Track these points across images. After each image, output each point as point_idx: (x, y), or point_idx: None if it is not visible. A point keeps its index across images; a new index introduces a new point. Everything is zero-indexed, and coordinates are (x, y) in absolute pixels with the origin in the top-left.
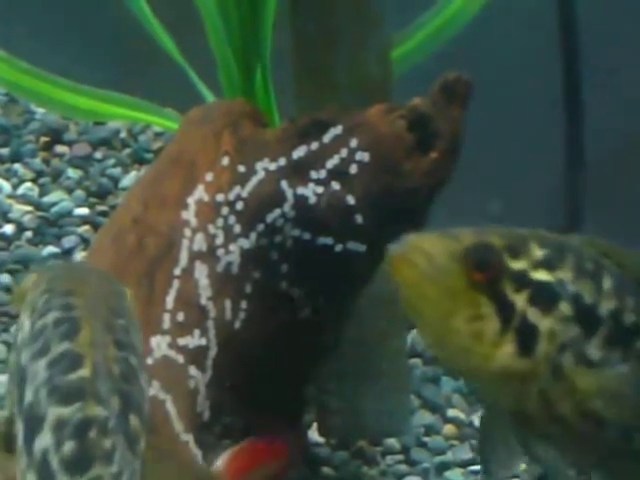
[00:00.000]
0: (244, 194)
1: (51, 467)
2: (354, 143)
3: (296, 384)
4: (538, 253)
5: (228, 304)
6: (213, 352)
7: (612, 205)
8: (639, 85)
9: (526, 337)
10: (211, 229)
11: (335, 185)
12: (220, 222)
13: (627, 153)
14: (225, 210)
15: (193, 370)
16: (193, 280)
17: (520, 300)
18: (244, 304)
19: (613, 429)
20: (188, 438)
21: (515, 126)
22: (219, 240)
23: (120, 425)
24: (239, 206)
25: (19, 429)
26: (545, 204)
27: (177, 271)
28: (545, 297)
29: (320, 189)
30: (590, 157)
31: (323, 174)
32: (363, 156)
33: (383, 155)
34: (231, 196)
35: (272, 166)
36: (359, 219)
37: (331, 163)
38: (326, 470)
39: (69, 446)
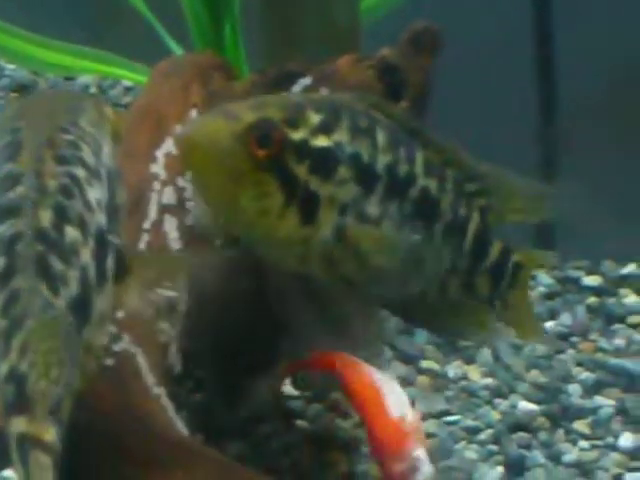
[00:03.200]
0: None
1: None
2: (323, 93)
3: (268, 335)
4: (315, 119)
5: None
6: (183, 305)
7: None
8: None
9: (308, 206)
10: (180, 182)
11: None
12: (189, 175)
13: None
14: None
15: (164, 323)
16: (162, 233)
17: (302, 171)
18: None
19: (393, 281)
20: (160, 391)
21: (486, 77)
22: (188, 193)
23: (49, 238)
24: None
25: None
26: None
27: (146, 224)
28: (325, 163)
29: None
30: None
31: None
32: None
33: None
34: None
35: None
36: None
37: None
38: (300, 423)
39: (1, 262)
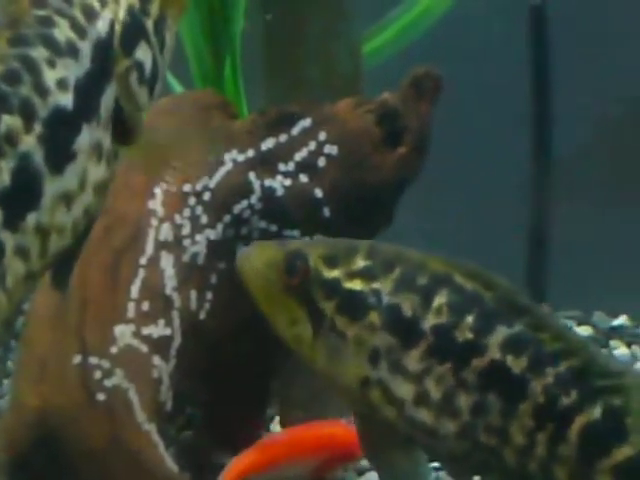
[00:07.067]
0: (211, 185)
1: None
2: (323, 136)
3: (260, 376)
4: (359, 264)
5: (193, 294)
6: (177, 342)
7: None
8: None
9: (335, 343)
10: (178, 219)
11: (303, 178)
12: (187, 212)
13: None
14: (192, 200)
15: (157, 360)
16: (159, 270)
17: (329, 307)
18: (209, 295)
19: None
20: (150, 428)
21: (484, 122)
22: (185, 230)
23: None
24: (206, 196)
25: None
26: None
27: (143, 260)
28: (353, 305)
29: (288, 181)
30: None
31: (291, 166)
32: (331, 149)
33: (351, 149)
34: (198, 186)
35: (240, 157)
36: (326, 212)
37: (299, 156)
38: None
39: None
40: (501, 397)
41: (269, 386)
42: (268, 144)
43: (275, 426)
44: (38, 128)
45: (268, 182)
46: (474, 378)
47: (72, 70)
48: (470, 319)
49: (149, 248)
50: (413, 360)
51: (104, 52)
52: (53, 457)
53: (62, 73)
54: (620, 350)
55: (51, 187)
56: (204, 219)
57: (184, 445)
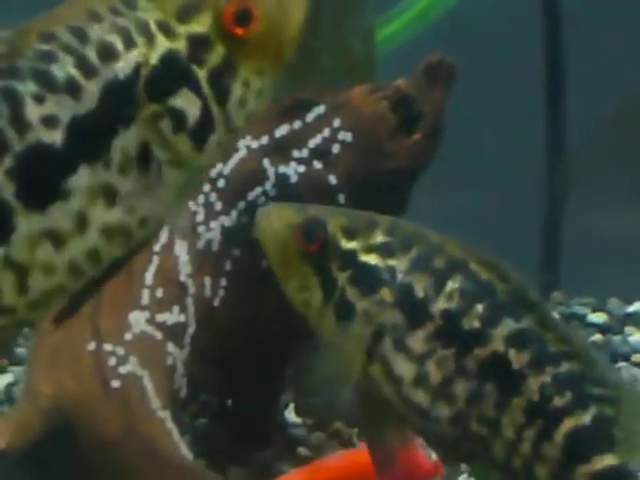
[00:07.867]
0: (226, 171)
1: None
2: (337, 123)
3: (274, 363)
4: (378, 239)
5: (208, 281)
6: (192, 329)
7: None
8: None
9: (343, 313)
10: (192, 206)
11: (317, 164)
12: (201, 199)
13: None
14: (206, 187)
15: (171, 346)
16: (173, 257)
17: (342, 278)
18: (224, 282)
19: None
20: (165, 415)
21: (497, 109)
22: (200, 217)
23: None
24: (220, 183)
25: None
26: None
27: (157, 247)
28: (366, 279)
29: (302, 168)
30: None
31: (305, 153)
32: (346, 136)
33: (366, 135)
34: (213, 173)
35: (254, 144)
36: (341, 198)
37: (313, 142)
38: (302, 450)
39: None
40: (497, 389)
41: (284, 373)
42: (282, 131)
43: (290, 413)
44: (8, 162)
45: (282, 169)
46: (474, 367)
47: (66, 108)
48: (480, 308)
49: (163, 235)
50: (418, 341)
51: (121, 94)
52: (67, 444)
53: (51, 110)
54: (635, 337)
55: (28, 223)
56: (218, 206)
57: (199, 432)
